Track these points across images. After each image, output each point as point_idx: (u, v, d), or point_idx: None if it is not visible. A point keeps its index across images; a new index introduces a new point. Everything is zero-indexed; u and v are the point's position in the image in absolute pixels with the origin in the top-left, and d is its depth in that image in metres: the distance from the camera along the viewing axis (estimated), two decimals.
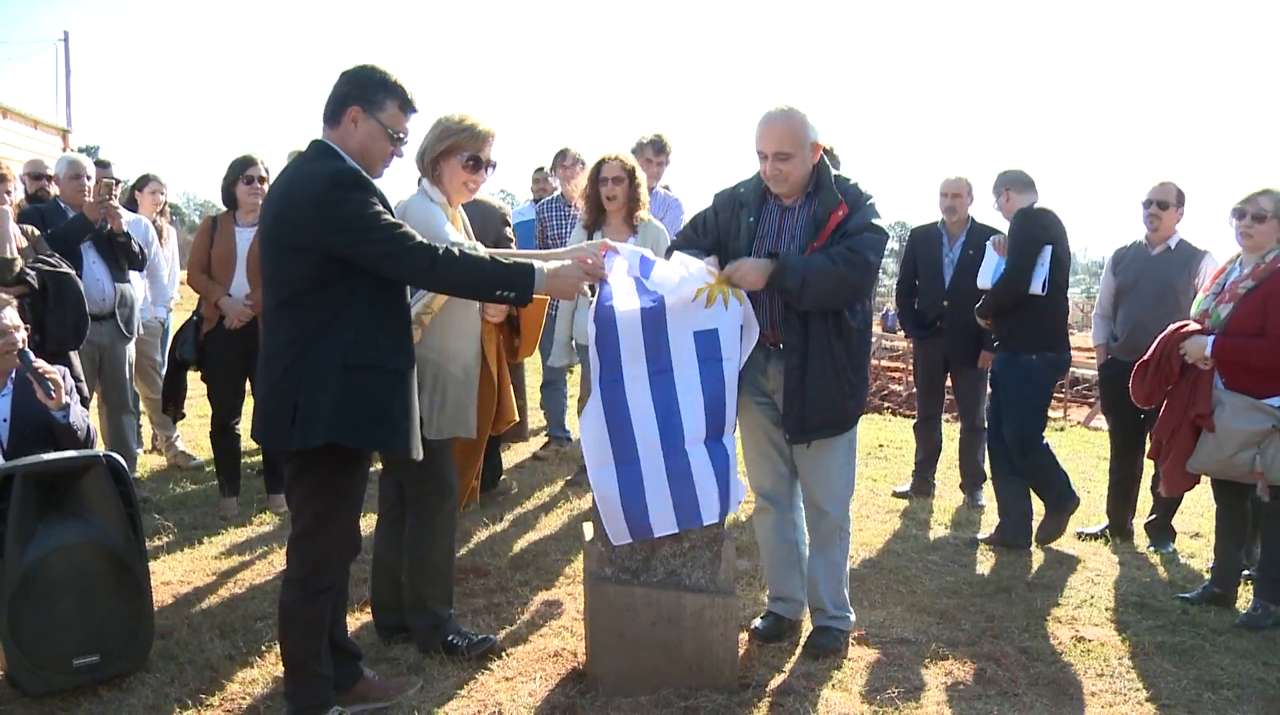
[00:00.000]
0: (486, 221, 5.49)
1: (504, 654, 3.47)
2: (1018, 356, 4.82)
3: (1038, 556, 4.82)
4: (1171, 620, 3.98)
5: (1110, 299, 5.17)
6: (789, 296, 3.28)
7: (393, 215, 2.72)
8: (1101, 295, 5.24)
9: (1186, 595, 4.23)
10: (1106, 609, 4.10)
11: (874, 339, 21.95)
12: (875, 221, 3.36)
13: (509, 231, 5.10)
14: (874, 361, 17.30)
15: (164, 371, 5.76)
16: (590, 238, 4.92)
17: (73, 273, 4.71)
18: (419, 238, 2.69)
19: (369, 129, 2.74)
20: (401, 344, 2.81)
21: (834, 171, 3.44)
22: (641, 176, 4.96)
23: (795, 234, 3.40)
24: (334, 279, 2.65)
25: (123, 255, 5.36)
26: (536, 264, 2.83)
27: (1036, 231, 4.73)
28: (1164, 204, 4.95)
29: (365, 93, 2.73)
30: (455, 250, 2.73)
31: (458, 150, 3.28)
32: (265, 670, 3.32)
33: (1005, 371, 4.88)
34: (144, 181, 6.61)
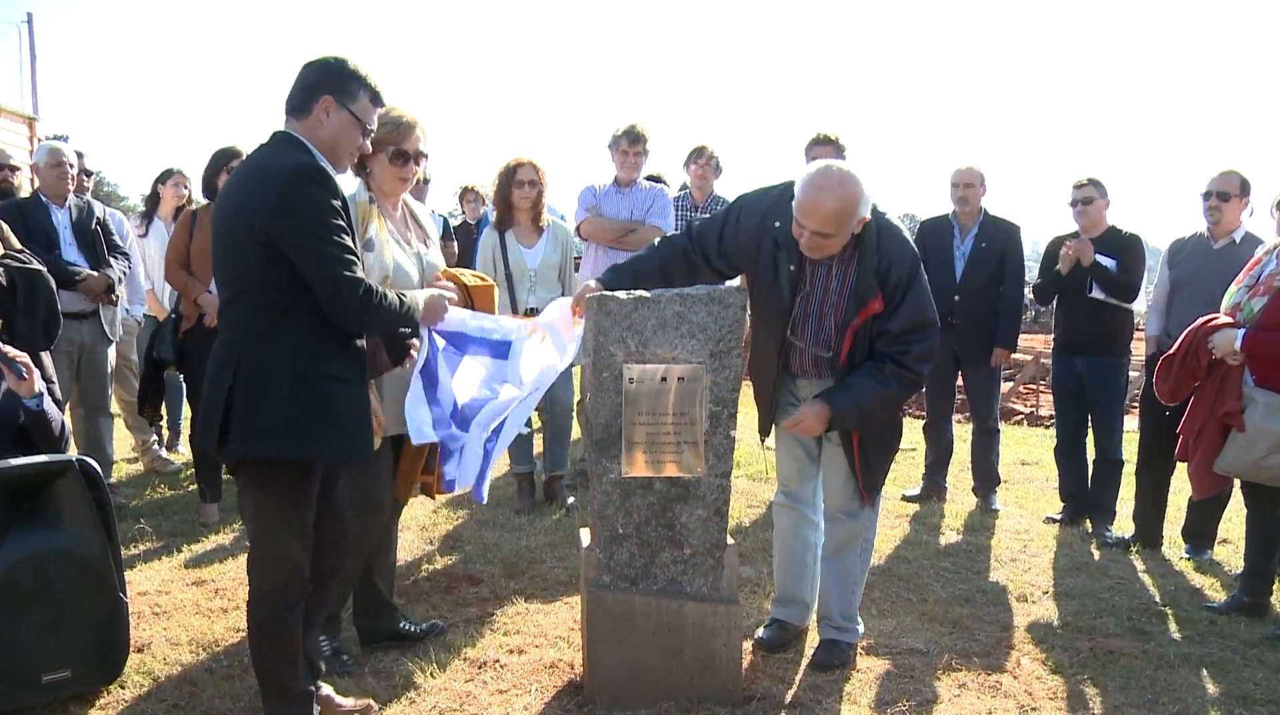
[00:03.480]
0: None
1: (498, 665, 3.45)
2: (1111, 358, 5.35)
3: (1056, 563, 4.80)
4: (1199, 631, 3.94)
5: (1166, 293, 5.11)
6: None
7: (350, 227, 2.72)
8: (1157, 288, 5.21)
9: (1214, 605, 4.20)
10: (1129, 618, 4.06)
11: None
12: (927, 314, 3.27)
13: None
14: None
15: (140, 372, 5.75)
16: (501, 238, 5.26)
17: (44, 270, 4.68)
18: (361, 270, 2.68)
19: (342, 120, 2.72)
20: (351, 351, 2.80)
21: (875, 227, 3.24)
22: (548, 183, 5.30)
23: (837, 305, 3.30)
24: (283, 278, 2.63)
25: (103, 247, 5.38)
26: (407, 298, 2.89)
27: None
28: (1225, 195, 4.82)
29: (338, 83, 2.71)
30: (378, 291, 2.72)
31: (383, 145, 3.28)
32: (247, 684, 3.28)
33: (1097, 373, 5.33)
34: (166, 175, 6.60)
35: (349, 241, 2.66)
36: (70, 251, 5.28)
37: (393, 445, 3.41)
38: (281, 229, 2.59)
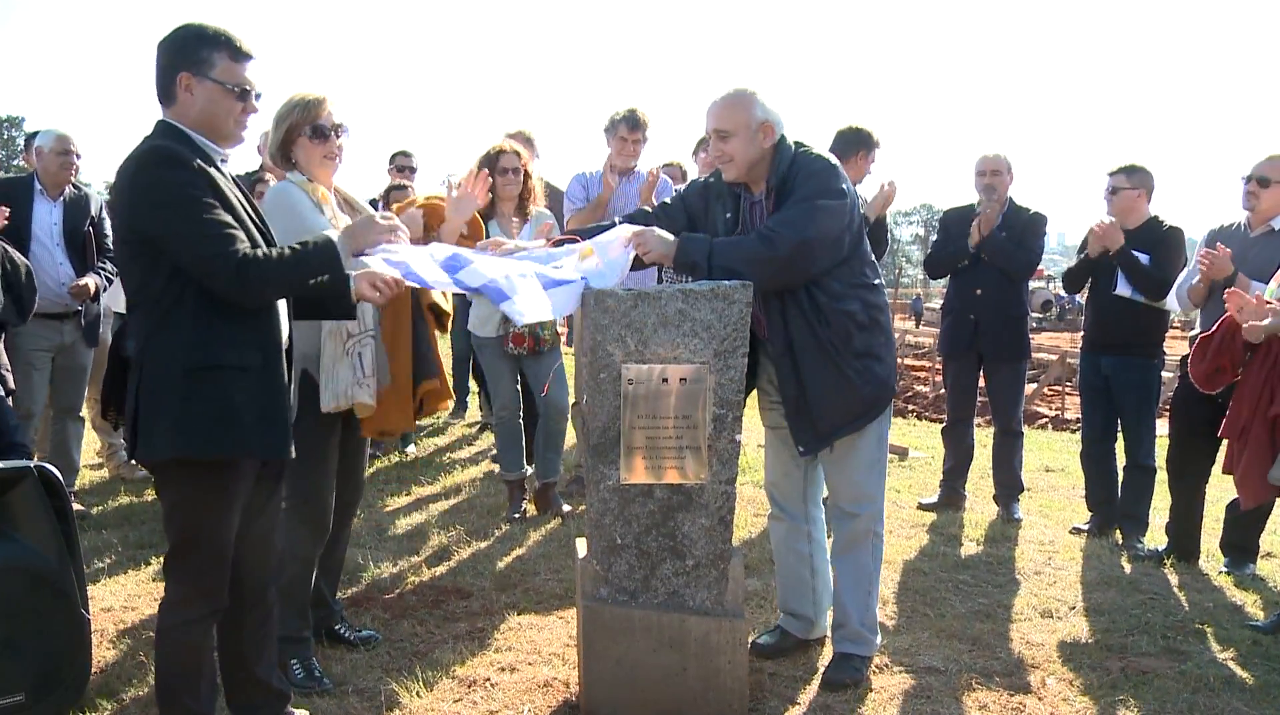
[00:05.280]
0: None
1: (489, 684, 3.45)
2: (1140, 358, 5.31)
3: (1083, 577, 4.77)
4: (1241, 651, 3.90)
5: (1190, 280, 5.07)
6: (698, 272, 3.26)
7: (223, 203, 2.66)
8: (1187, 274, 5.14)
9: (1257, 623, 4.15)
10: (1163, 637, 4.03)
11: (897, 334, 22.09)
12: (802, 200, 3.25)
13: None
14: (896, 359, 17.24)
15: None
16: (484, 228, 5.19)
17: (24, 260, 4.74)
18: (240, 241, 2.62)
19: (206, 92, 2.69)
20: (252, 336, 2.74)
21: (801, 149, 3.38)
22: (535, 170, 5.38)
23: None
24: (163, 272, 2.63)
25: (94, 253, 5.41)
26: (329, 234, 2.82)
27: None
28: (1265, 181, 4.71)
29: (188, 56, 2.68)
30: (257, 252, 2.65)
31: (297, 128, 3.36)
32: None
33: (1125, 373, 5.29)
34: None
35: (214, 214, 2.61)
36: (57, 252, 5.26)
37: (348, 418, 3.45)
38: (142, 222, 2.62)
